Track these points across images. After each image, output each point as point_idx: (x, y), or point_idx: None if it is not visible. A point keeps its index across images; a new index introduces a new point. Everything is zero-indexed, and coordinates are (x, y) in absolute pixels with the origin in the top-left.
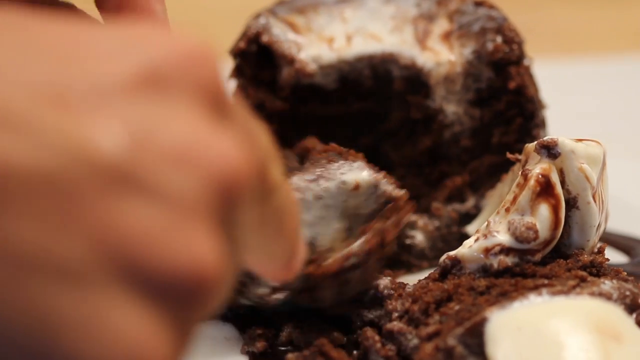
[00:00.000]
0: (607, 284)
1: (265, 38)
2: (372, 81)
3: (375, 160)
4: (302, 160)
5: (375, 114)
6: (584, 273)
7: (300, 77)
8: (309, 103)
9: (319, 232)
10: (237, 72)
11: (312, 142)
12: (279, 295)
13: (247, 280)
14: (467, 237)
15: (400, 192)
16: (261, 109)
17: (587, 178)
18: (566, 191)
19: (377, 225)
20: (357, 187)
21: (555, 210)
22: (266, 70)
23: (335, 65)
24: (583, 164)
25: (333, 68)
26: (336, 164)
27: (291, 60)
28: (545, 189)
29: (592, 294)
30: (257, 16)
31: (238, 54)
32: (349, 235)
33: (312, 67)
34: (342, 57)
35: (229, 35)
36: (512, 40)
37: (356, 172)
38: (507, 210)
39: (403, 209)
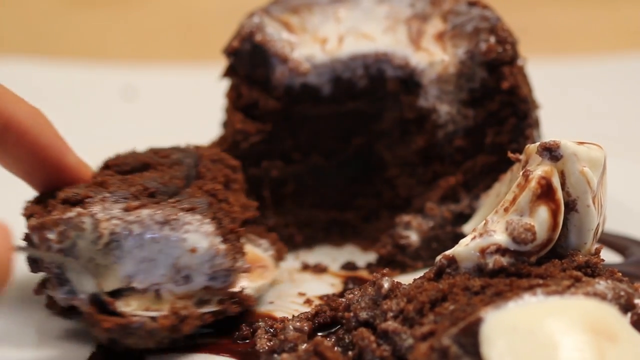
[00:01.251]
0: (601, 284)
1: (258, 37)
2: (366, 81)
3: (368, 160)
4: (196, 165)
5: (368, 114)
6: (578, 273)
7: (294, 76)
8: (303, 103)
9: (141, 271)
10: (231, 71)
11: (213, 157)
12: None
13: (54, 280)
14: (461, 237)
15: (244, 266)
16: (255, 108)
17: (588, 181)
18: (566, 193)
19: (182, 309)
20: (193, 250)
21: (554, 214)
22: (260, 69)
23: (328, 64)
24: (584, 167)
25: (327, 67)
26: (189, 217)
27: (285, 60)
28: (546, 192)
29: (587, 294)
30: (251, 15)
31: (232, 52)
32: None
33: (305, 66)
34: (336, 57)
35: (223, 34)
36: (505, 40)
37: (199, 236)
38: (506, 210)
39: (235, 302)
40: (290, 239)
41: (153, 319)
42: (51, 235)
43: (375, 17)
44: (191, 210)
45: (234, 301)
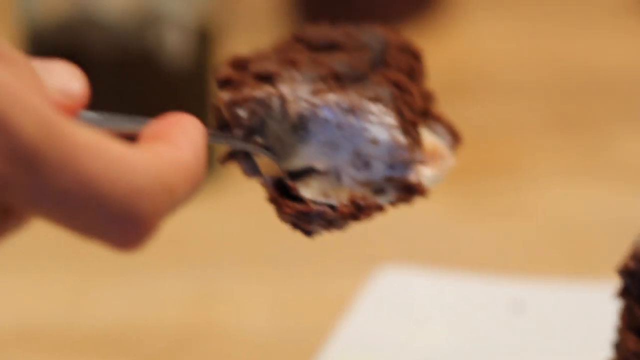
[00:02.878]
0: None
1: None
2: None
3: None
4: (382, 51)
5: None
6: None
7: None
8: None
9: (324, 154)
10: (625, 291)
11: (399, 45)
12: None
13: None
14: None
15: (421, 158)
16: None
17: None
18: None
19: (360, 198)
20: (374, 142)
21: None
22: None
23: None
24: None
25: None
26: (373, 107)
27: None
28: None
29: None
30: None
31: (625, 272)
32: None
33: None
34: None
35: (610, 249)
36: None
37: (381, 128)
38: None
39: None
40: None
41: (332, 207)
42: (242, 113)
43: None
44: (375, 100)
45: (410, 192)
